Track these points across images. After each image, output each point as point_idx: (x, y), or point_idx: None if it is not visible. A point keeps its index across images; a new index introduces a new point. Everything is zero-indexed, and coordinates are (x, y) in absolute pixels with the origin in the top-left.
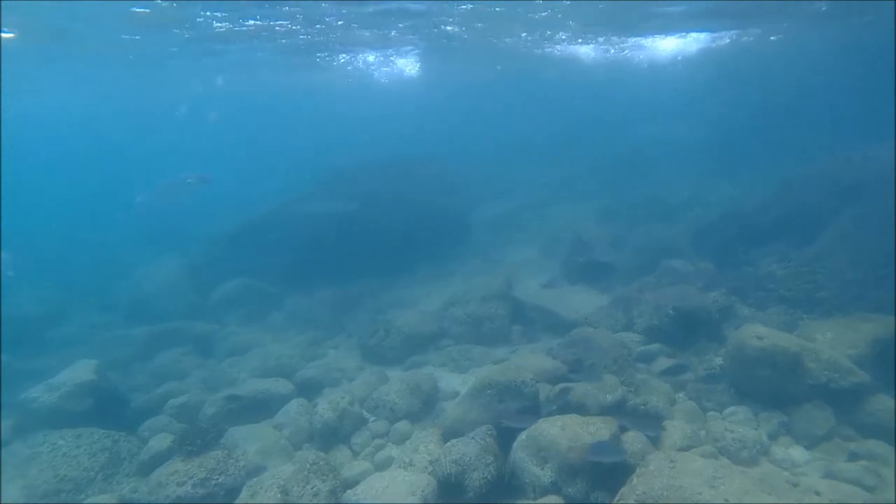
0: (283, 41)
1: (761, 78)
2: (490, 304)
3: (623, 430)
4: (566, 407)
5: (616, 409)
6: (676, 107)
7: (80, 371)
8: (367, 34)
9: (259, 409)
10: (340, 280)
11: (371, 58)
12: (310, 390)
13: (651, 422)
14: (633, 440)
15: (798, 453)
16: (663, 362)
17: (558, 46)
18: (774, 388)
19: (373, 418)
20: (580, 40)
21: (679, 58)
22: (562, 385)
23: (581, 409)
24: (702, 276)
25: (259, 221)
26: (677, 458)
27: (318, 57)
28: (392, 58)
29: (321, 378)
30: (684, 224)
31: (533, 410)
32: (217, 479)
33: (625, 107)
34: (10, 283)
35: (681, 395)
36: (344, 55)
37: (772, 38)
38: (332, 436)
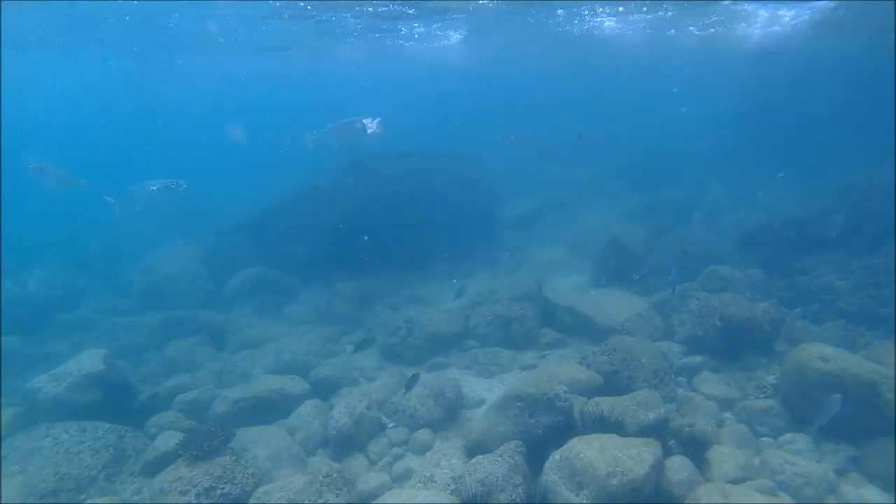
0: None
1: (804, 73)
2: (519, 305)
3: (667, 454)
4: (602, 424)
5: (658, 430)
6: (712, 101)
7: (88, 360)
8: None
9: (272, 408)
10: (358, 273)
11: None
12: (325, 389)
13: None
14: (679, 467)
15: (873, 495)
16: (707, 377)
17: (599, 20)
18: (840, 416)
19: (392, 424)
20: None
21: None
22: (597, 399)
23: (619, 427)
24: (751, 284)
25: (275, 209)
26: (731, 493)
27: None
28: (432, 31)
29: (338, 377)
30: (726, 228)
31: (566, 427)
32: (223, 488)
33: (659, 102)
34: (18, 264)
35: (728, 415)
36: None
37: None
38: (347, 442)
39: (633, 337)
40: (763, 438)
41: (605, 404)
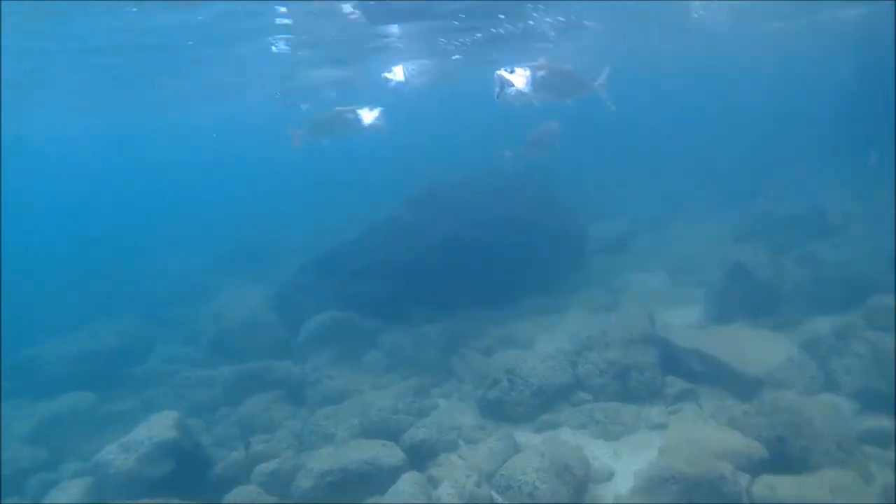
0: None
1: None
2: (635, 350)
3: None
4: None
5: None
6: (817, 88)
7: (160, 426)
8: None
9: (363, 481)
10: (440, 311)
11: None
12: (422, 456)
13: None
14: None
15: None
16: None
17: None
18: None
19: None
20: None
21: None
22: (769, 480)
23: None
24: None
25: (347, 245)
26: None
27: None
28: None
29: (434, 441)
30: (861, 244)
31: None
32: None
33: (751, 95)
34: (90, 315)
35: None
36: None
37: None
38: None
39: (791, 390)
40: None
41: (784, 488)
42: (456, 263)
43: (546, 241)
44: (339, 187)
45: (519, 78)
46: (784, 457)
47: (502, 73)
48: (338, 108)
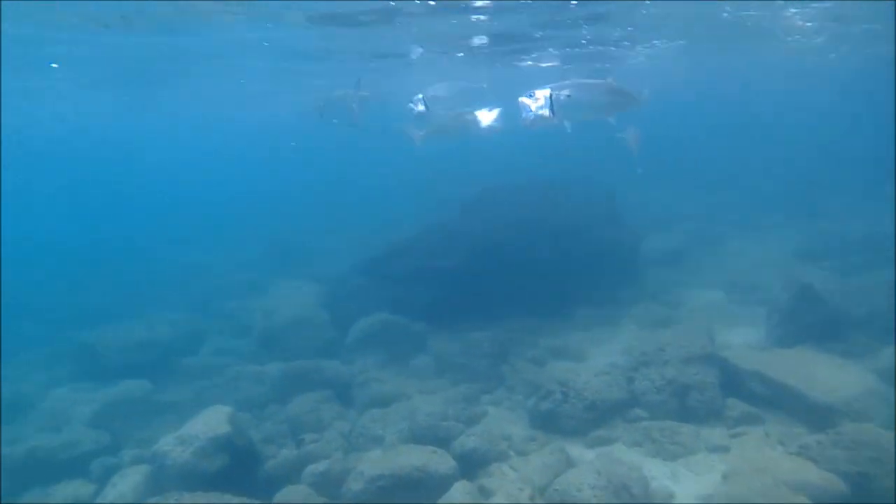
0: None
1: None
2: (694, 368)
3: None
4: None
5: None
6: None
7: (214, 421)
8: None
9: (414, 488)
10: (487, 319)
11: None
12: (472, 465)
13: None
14: None
15: None
16: None
17: None
18: None
19: None
20: None
21: None
22: None
23: None
24: None
25: (397, 248)
26: None
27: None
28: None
29: (485, 450)
30: None
31: None
32: None
33: (815, 115)
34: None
35: None
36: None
37: None
38: None
39: (870, 423)
40: None
41: None
42: (507, 271)
43: (599, 252)
44: (384, 191)
45: (540, 101)
46: (867, 495)
47: (524, 99)
48: (457, 111)
